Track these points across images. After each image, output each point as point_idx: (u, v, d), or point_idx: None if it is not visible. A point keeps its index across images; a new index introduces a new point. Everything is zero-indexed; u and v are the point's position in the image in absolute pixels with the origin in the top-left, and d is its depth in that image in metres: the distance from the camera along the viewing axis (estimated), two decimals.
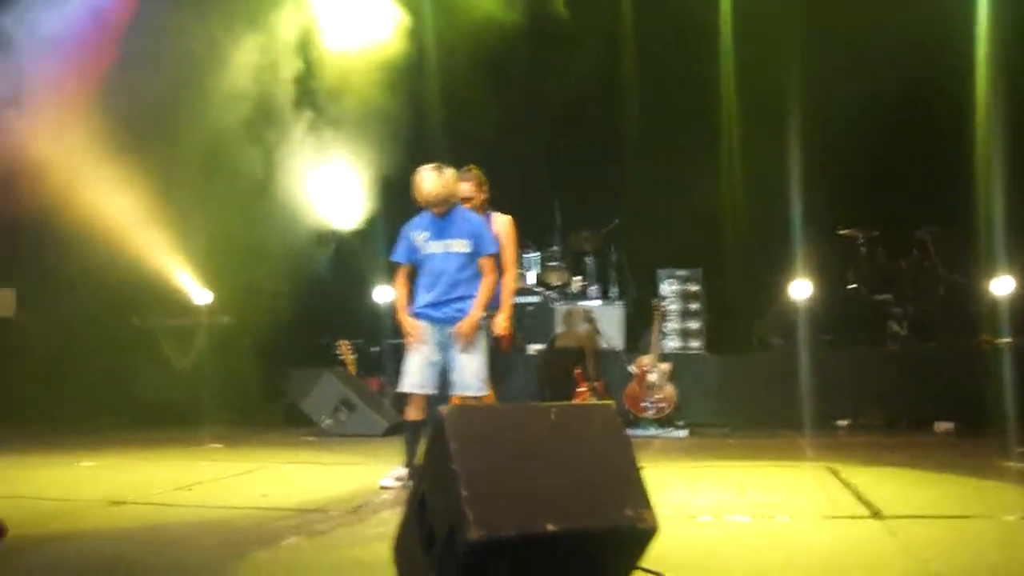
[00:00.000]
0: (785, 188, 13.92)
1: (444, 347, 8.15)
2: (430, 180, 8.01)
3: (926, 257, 13.67)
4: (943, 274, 13.57)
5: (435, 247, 8.16)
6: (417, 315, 8.18)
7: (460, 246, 8.14)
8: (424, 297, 8.20)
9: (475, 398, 8.03)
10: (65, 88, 12.78)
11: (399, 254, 8.33)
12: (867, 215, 14.01)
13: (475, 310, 8.13)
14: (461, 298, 8.14)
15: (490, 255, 8.25)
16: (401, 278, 8.38)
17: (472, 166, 8.90)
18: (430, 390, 8.16)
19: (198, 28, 13.30)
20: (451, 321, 8.10)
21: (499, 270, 8.45)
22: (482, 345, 8.19)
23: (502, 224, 9.05)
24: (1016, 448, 9.94)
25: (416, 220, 8.31)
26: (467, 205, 8.63)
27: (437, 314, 8.14)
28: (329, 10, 14.26)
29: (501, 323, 8.64)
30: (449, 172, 8.14)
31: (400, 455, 8.20)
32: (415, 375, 8.13)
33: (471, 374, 8.09)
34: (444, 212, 8.14)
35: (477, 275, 8.22)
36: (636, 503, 4.62)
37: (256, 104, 13.86)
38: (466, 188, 8.74)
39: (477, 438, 4.56)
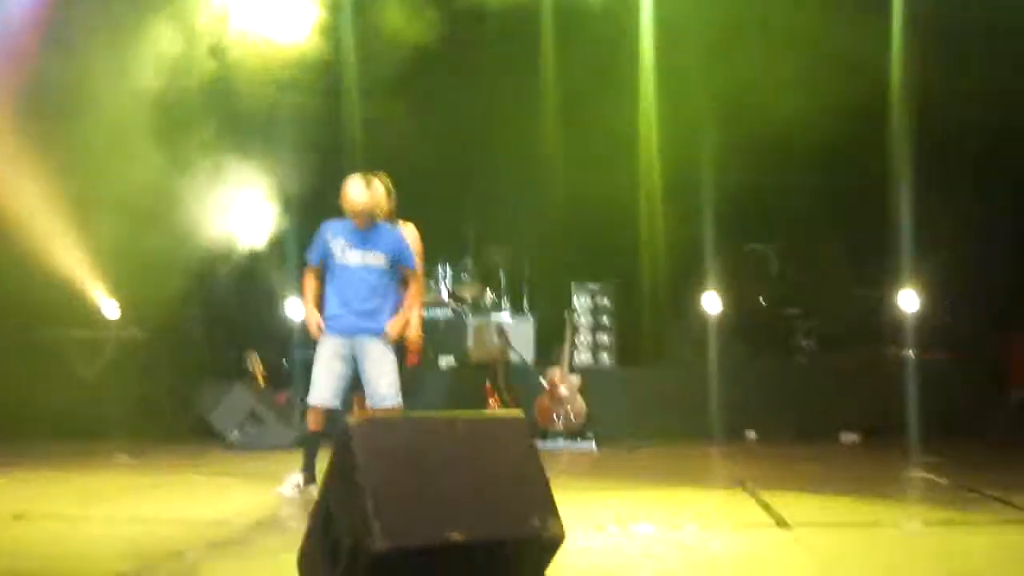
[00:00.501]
0: (696, 202, 14.04)
1: (354, 360, 8.14)
2: (358, 189, 8.01)
3: (834, 271, 13.85)
4: (850, 288, 13.76)
5: (353, 258, 8.13)
6: (328, 327, 8.16)
7: (379, 260, 8.14)
8: (335, 308, 8.18)
9: (390, 408, 8.03)
10: None
11: (313, 256, 8.31)
12: (776, 229, 14.17)
13: (405, 311, 8.24)
14: (373, 311, 8.13)
15: (413, 269, 8.31)
16: (310, 277, 8.38)
17: (381, 173, 8.87)
18: (336, 404, 8.16)
19: (109, 31, 13.17)
20: (362, 333, 8.10)
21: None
22: (393, 355, 8.20)
23: (409, 233, 9.05)
24: (919, 458, 10.10)
25: (335, 224, 8.27)
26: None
27: (348, 327, 8.12)
28: (247, 15, 14.15)
29: (411, 334, 8.67)
30: (376, 183, 8.16)
31: None
32: (323, 389, 8.13)
33: (387, 385, 8.10)
34: (366, 224, 8.13)
35: (390, 290, 8.24)
36: (543, 512, 4.64)
37: (168, 109, 13.73)
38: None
39: (383, 449, 4.55)
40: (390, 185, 8.91)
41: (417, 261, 8.82)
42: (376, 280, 8.15)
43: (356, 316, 8.10)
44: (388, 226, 8.43)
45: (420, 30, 14.03)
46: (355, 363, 8.14)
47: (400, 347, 8.61)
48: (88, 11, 13.18)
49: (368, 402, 8.19)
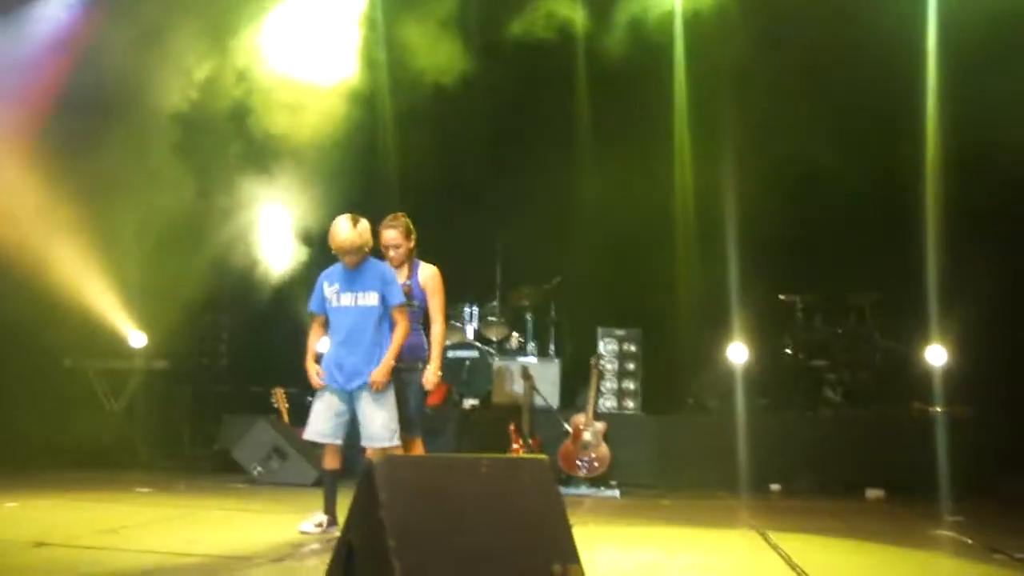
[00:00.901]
0: (725, 251, 14.01)
1: (351, 400, 8.15)
2: (344, 229, 8.07)
3: (862, 324, 13.79)
4: (878, 341, 13.68)
5: (345, 299, 8.22)
6: (325, 378, 8.20)
7: (369, 299, 8.18)
8: (331, 359, 8.23)
9: (384, 449, 8.00)
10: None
11: (313, 304, 8.42)
12: (805, 280, 14.11)
13: (387, 358, 8.15)
14: (367, 360, 8.13)
15: (399, 305, 8.28)
16: (315, 327, 8.47)
17: (400, 214, 8.89)
18: (334, 440, 8.20)
19: (138, 61, 13.25)
20: (356, 388, 8.11)
21: (411, 320, 8.53)
22: (390, 395, 8.19)
23: (430, 274, 9.04)
24: (947, 516, 9.99)
25: (329, 271, 8.38)
26: (394, 253, 8.67)
27: (342, 380, 8.15)
28: (280, 47, 14.22)
29: (430, 377, 8.66)
30: (363, 223, 8.19)
31: None
32: (319, 424, 8.21)
33: (380, 426, 8.10)
34: (355, 263, 8.18)
35: (386, 329, 8.23)
36: (564, 558, 4.60)
37: (198, 140, 13.81)
38: (393, 236, 8.77)
39: (406, 488, 4.53)
40: (410, 225, 8.92)
41: (435, 301, 8.87)
42: (369, 320, 8.17)
43: (350, 369, 8.13)
44: (378, 262, 8.45)
45: (454, 68, 14.11)
46: (352, 404, 8.17)
47: (419, 385, 8.67)
48: (122, 46, 13.27)
49: (362, 443, 8.19)
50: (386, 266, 8.50)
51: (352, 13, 14.46)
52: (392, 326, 8.26)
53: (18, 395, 13.23)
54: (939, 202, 13.51)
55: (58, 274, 13.19)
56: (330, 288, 8.25)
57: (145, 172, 13.47)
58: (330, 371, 8.19)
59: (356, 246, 8.10)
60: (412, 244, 8.96)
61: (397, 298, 8.27)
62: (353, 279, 8.20)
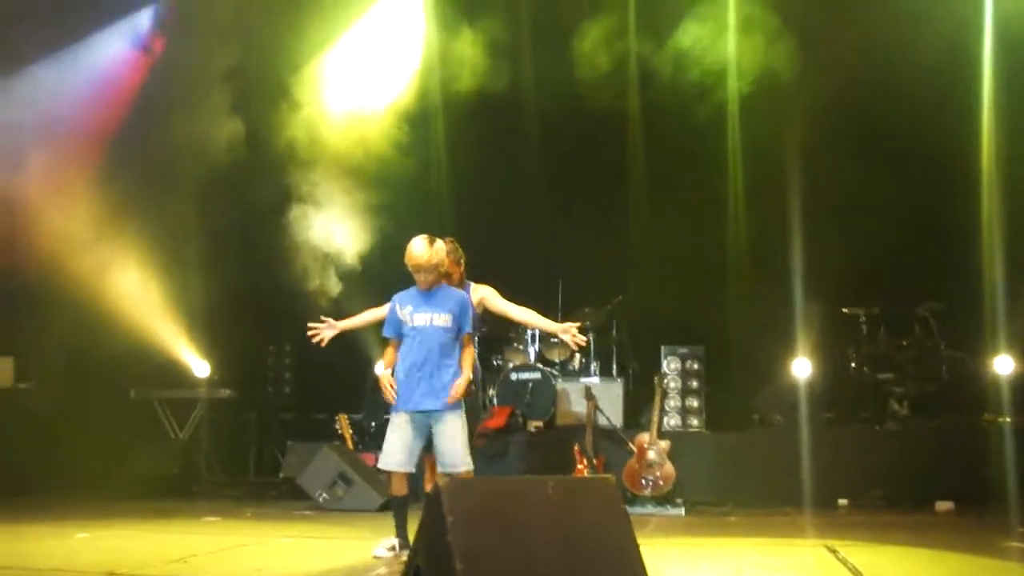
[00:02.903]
0: (787, 266, 13.94)
1: (426, 426, 8.13)
2: (420, 247, 8.09)
3: (927, 335, 13.66)
4: (944, 352, 13.56)
5: (420, 319, 8.15)
6: (400, 400, 8.16)
7: (443, 320, 8.15)
8: (405, 379, 8.14)
9: (461, 474, 7.99)
10: (68, 152, 12.87)
11: (388, 329, 8.35)
12: (868, 293, 14.01)
13: (464, 377, 8.14)
14: (442, 381, 8.08)
15: (468, 334, 8.30)
16: (389, 350, 8.44)
17: (450, 239, 8.89)
18: (408, 469, 8.16)
19: (201, 86, 13.41)
20: (434, 408, 8.08)
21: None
22: (465, 420, 8.17)
23: (484, 293, 9.05)
24: (1018, 528, 9.86)
25: (400, 294, 8.33)
26: (444, 281, 8.64)
27: (419, 403, 8.08)
28: (337, 70, 14.35)
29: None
30: (439, 243, 8.22)
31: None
32: (395, 455, 8.11)
33: (457, 453, 8.06)
34: (430, 283, 8.18)
35: (456, 353, 8.23)
36: None
37: (257, 171, 13.92)
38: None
39: (473, 511, 4.52)
40: (460, 250, 8.97)
41: (503, 303, 8.87)
42: (445, 340, 8.16)
43: (427, 389, 8.07)
44: (452, 288, 8.48)
45: (516, 93, 14.18)
46: (428, 430, 8.12)
47: (476, 409, 8.68)
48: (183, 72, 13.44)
49: (439, 469, 8.18)
50: (462, 293, 8.53)
51: (412, 37, 14.61)
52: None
53: (86, 427, 13.38)
54: (1001, 209, 13.40)
55: (122, 306, 13.34)
56: (403, 310, 8.21)
57: (207, 204, 13.61)
58: (403, 394, 8.16)
59: (432, 264, 8.11)
60: (462, 270, 9.01)
61: (468, 326, 8.28)
62: (428, 299, 8.18)
